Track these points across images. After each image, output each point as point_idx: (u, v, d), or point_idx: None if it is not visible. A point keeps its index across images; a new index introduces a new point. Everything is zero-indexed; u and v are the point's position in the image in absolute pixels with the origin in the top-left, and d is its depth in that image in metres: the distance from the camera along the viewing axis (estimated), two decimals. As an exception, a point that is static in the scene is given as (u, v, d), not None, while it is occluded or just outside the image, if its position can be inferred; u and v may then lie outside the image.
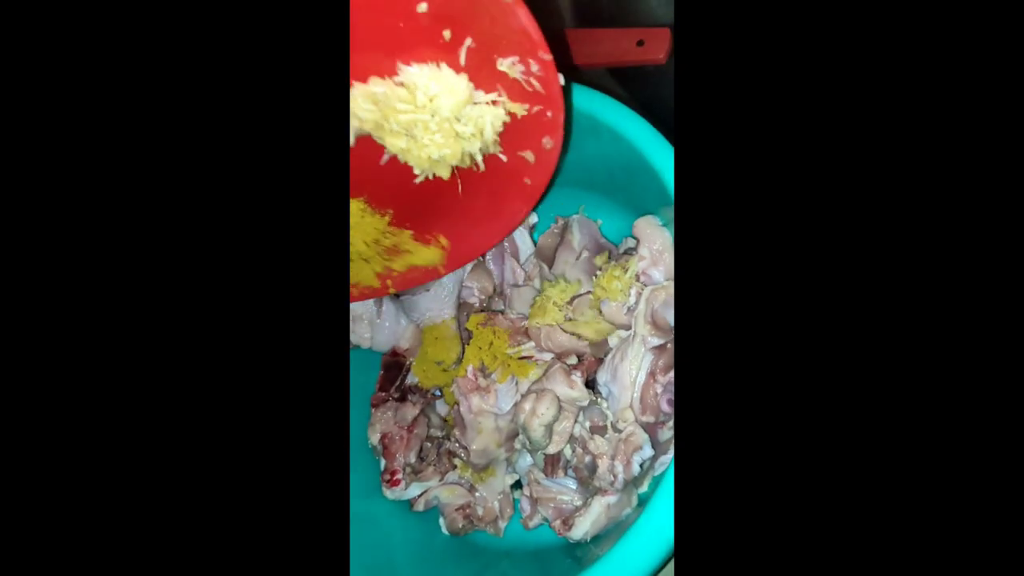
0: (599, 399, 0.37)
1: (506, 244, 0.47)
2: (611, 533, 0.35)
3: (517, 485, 0.42)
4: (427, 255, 0.39)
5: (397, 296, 0.45)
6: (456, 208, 0.37)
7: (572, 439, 0.37)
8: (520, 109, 0.31)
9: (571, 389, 0.35)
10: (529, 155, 0.34)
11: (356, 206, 0.35)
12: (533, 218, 0.48)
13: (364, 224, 0.36)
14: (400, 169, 0.33)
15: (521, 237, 0.48)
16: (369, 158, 0.33)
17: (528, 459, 0.41)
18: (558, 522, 0.37)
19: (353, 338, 0.43)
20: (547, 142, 0.33)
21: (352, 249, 0.37)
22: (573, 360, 0.38)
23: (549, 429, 0.35)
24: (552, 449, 0.36)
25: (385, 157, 0.32)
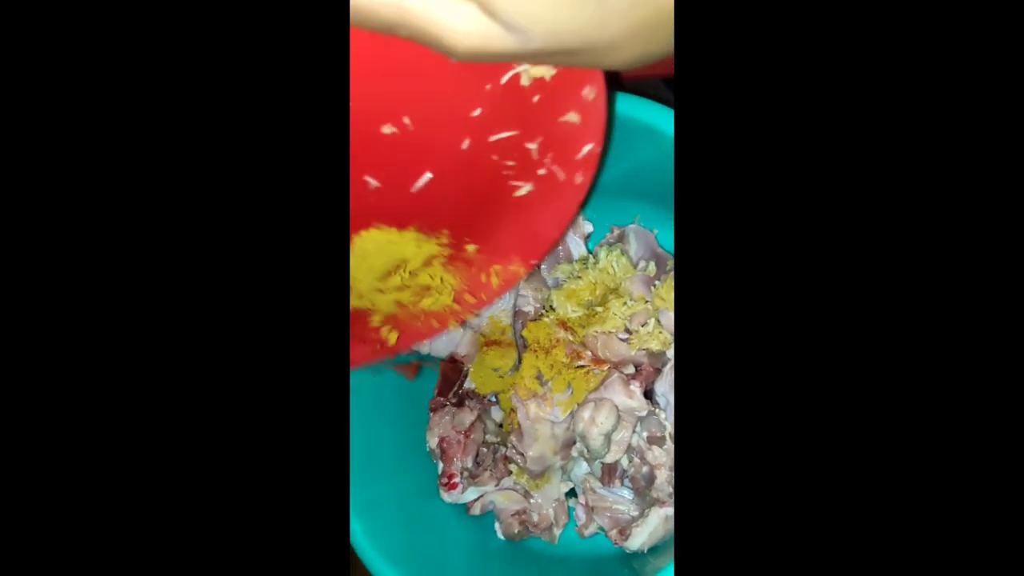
0: (657, 410, 0.37)
1: (560, 251, 0.48)
2: (669, 545, 0.35)
3: (572, 493, 0.43)
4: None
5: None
6: (512, 204, 0.33)
7: (630, 449, 0.37)
8: (547, 71, 0.27)
9: (630, 399, 0.36)
10: (573, 117, 0.29)
11: (409, 236, 0.33)
12: (588, 227, 0.48)
13: (423, 252, 0.34)
14: (444, 184, 0.31)
15: (576, 245, 0.48)
16: (403, 184, 0.31)
17: (583, 467, 0.41)
18: (614, 531, 0.37)
19: (414, 344, 0.44)
20: (588, 92, 0.29)
21: (421, 282, 0.35)
22: (631, 370, 0.38)
23: (608, 438, 0.36)
24: (610, 458, 0.37)
25: (421, 182, 0.31)
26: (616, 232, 0.46)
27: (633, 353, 0.38)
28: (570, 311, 0.42)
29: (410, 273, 0.35)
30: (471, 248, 0.35)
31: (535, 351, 0.42)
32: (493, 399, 0.46)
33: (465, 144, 0.30)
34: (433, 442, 0.44)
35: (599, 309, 0.41)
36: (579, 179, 0.33)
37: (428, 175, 0.31)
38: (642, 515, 0.36)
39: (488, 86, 0.28)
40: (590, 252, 0.47)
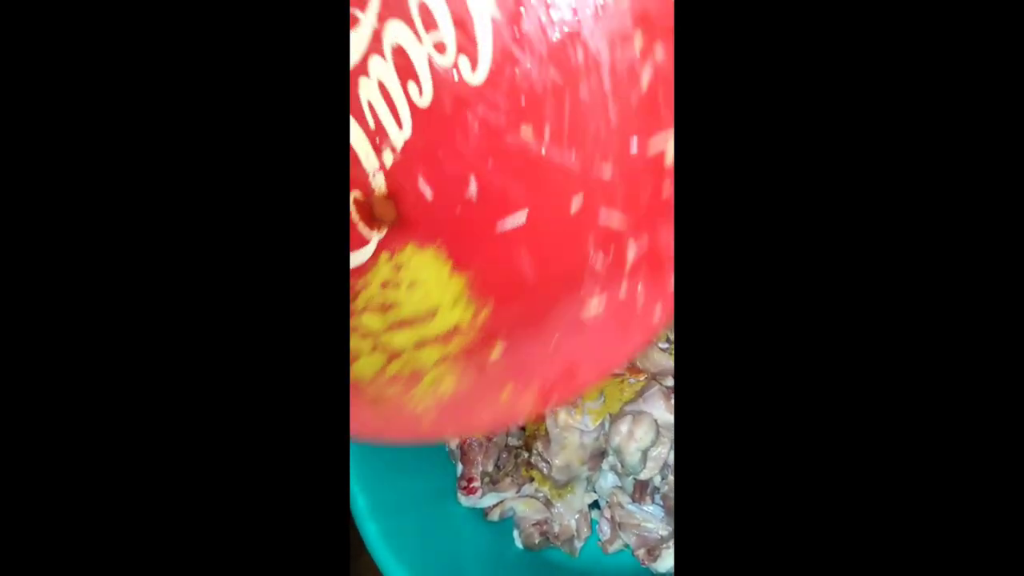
0: (697, 427, 0.35)
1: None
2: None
3: (595, 505, 0.41)
4: None
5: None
6: (573, 320, 0.26)
7: (664, 466, 0.35)
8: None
9: (671, 414, 0.34)
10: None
11: (456, 283, 0.27)
12: (627, 228, 0.46)
13: (453, 316, 0.27)
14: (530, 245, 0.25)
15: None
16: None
17: (610, 480, 0.39)
18: (642, 551, 0.35)
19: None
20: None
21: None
22: (670, 382, 0.36)
23: (645, 454, 0.34)
24: (646, 475, 0.35)
25: (511, 223, 0.25)
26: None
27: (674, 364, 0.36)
28: (606, 316, 0.40)
29: (431, 338, 0.27)
30: (497, 349, 0.26)
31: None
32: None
33: (574, 208, 0.24)
34: (453, 442, 0.42)
35: (638, 316, 0.39)
36: (656, 316, 0.24)
37: (521, 220, 0.25)
38: (672, 535, 0.35)
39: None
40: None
